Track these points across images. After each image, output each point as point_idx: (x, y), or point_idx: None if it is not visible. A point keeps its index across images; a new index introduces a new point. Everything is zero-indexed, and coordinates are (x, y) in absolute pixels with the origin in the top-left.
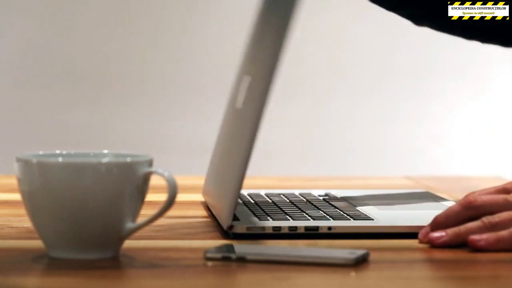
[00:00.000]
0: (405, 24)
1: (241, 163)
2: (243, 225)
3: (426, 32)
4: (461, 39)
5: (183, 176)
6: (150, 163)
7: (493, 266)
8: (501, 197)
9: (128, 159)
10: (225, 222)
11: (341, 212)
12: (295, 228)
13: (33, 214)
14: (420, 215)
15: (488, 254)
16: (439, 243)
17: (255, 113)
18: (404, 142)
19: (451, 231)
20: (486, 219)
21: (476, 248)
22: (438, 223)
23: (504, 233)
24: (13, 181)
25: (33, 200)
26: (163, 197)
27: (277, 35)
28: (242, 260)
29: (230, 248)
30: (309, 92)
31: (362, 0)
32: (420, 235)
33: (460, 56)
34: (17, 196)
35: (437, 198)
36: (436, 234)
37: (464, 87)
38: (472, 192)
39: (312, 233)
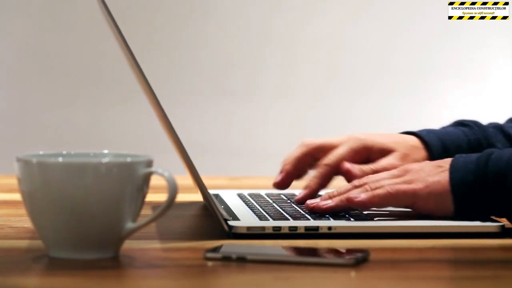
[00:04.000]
0: (403, 23)
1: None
2: (243, 225)
3: (424, 32)
4: (458, 40)
5: (183, 176)
6: (150, 163)
7: (493, 266)
8: (398, 180)
9: (128, 159)
10: None
11: (341, 212)
12: (295, 228)
13: (33, 214)
14: (420, 215)
15: (489, 254)
16: (357, 201)
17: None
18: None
19: (365, 195)
20: (389, 187)
21: (355, 206)
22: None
23: (379, 190)
24: (13, 181)
25: (33, 200)
26: (163, 197)
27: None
28: (242, 260)
29: (230, 248)
30: (308, 92)
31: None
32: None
33: (457, 56)
34: (17, 196)
35: None
36: (353, 195)
37: (462, 87)
38: (367, 183)
39: (312, 233)
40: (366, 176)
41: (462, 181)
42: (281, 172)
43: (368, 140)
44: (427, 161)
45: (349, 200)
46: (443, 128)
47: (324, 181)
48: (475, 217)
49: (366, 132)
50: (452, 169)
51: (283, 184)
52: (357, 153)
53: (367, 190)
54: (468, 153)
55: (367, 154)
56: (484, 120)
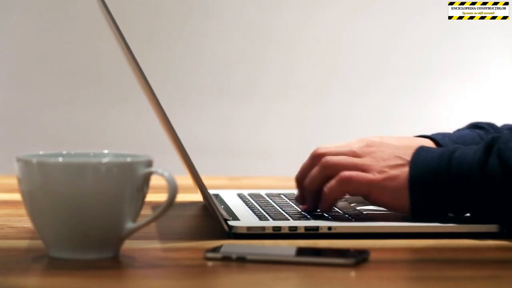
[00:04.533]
0: (402, 23)
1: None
2: (243, 225)
3: (424, 32)
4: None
5: (183, 176)
6: (150, 163)
7: (492, 266)
8: (355, 160)
9: (128, 159)
10: None
11: (341, 212)
12: (295, 228)
13: (33, 214)
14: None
15: (488, 254)
16: (320, 208)
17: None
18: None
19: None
20: (343, 174)
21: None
22: (307, 188)
23: (331, 182)
24: (13, 181)
25: (33, 200)
26: (163, 197)
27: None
28: (242, 260)
29: (230, 248)
30: (308, 92)
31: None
32: (302, 209)
33: (457, 56)
34: (17, 196)
35: None
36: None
37: (462, 87)
38: (324, 153)
39: (312, 233)
40: (326, 156)
41: (422, 179)
42: (297, 187)
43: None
44: (390, 144)
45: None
46: (458, 131)
47: None
48: (431, 215)
49: (382, 135)
50: (413, 165)
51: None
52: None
53: (321, 165)
54: None
55: None
56: (485, 120)
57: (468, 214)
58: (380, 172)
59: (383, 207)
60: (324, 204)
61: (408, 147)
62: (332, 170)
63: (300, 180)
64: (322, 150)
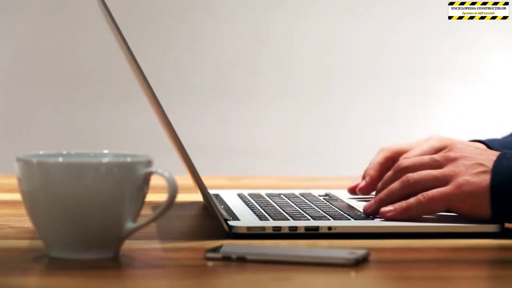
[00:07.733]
0: (402, 24)
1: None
2: (243, 225)
3: (424, 32)
4: (458, 40)
5: (183, 176)
6: (150, 163)
7: (493, 266)
8: (435, 172)
9: (128, 159)
10: None
11: (341, 212)
12: (295, 228)
13: (33, 214)
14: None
15: (488, 254)
16: (389, 216)
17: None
18: (401, 142)
19: (398, 206)
20: (421, 196)
21: (387, 219)
22: (382, 200)
23: (411, 200)
24: (13, 181)
25: (33, 200)
26: (163, 197)
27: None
28: (242, 260)
29: (230, 248)
30: (308, 92)
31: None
32: (365, 208)
33: (457, 56)
34: (17, 196)
35: None
36: (386, 208)
37: (461, 87)
38: (407, 167)
39: (312, 233)
40: (408, 174)
41: (503, 187)
42: (364, 177)
43: (449, 141)
44: (473, 149)
45: (381, 213)
46: (504, 137)
47: None
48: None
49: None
50: (494, 174)
51: (367, 189)
52: (438, 151)
53: (403, 183)
54: None
55: None
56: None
57: None
58: (460, 182)
59: (465, 215)
60: (396, 217)
61: (490, 153)
62: (412, 189)
63: (380, 190)
64: (405, 164)
